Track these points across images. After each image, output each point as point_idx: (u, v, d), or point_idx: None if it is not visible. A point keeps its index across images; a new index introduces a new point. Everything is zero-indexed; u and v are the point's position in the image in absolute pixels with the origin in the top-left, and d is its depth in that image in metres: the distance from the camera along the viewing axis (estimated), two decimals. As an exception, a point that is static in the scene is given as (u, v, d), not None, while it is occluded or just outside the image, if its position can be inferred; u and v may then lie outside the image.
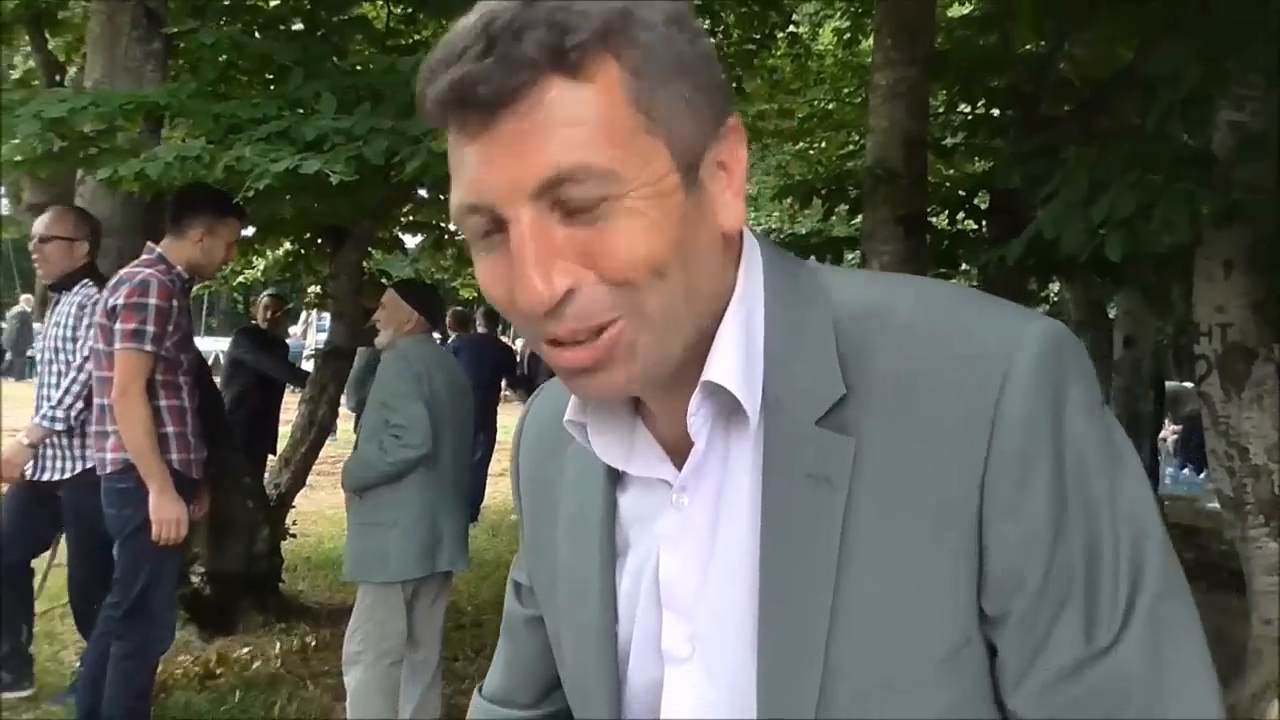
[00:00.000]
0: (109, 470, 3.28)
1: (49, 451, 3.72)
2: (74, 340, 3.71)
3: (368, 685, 3.40)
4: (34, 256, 3.84)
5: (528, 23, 0.64)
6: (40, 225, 3.84)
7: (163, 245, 3.40)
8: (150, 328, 3.17)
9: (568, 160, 0.65)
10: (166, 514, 3.14)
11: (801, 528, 0.72)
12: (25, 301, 19.60)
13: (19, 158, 4.32)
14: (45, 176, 4.62)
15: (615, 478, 0.83)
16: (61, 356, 3.72)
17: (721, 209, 0.72)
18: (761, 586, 0.73)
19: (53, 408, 3.65)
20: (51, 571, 5.58)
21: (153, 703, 3.43)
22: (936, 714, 0.72)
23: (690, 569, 0.77)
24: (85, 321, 3.67)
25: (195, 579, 4.84)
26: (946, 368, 0.71)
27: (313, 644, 4.63)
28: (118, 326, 3.16)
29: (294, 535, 5.58)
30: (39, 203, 5.07)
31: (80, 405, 3.65)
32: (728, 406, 0.75)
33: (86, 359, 3.61)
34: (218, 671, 4.32)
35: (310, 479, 5.82)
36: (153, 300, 3.19)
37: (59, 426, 3.64)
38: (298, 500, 5.68)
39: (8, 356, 20.35)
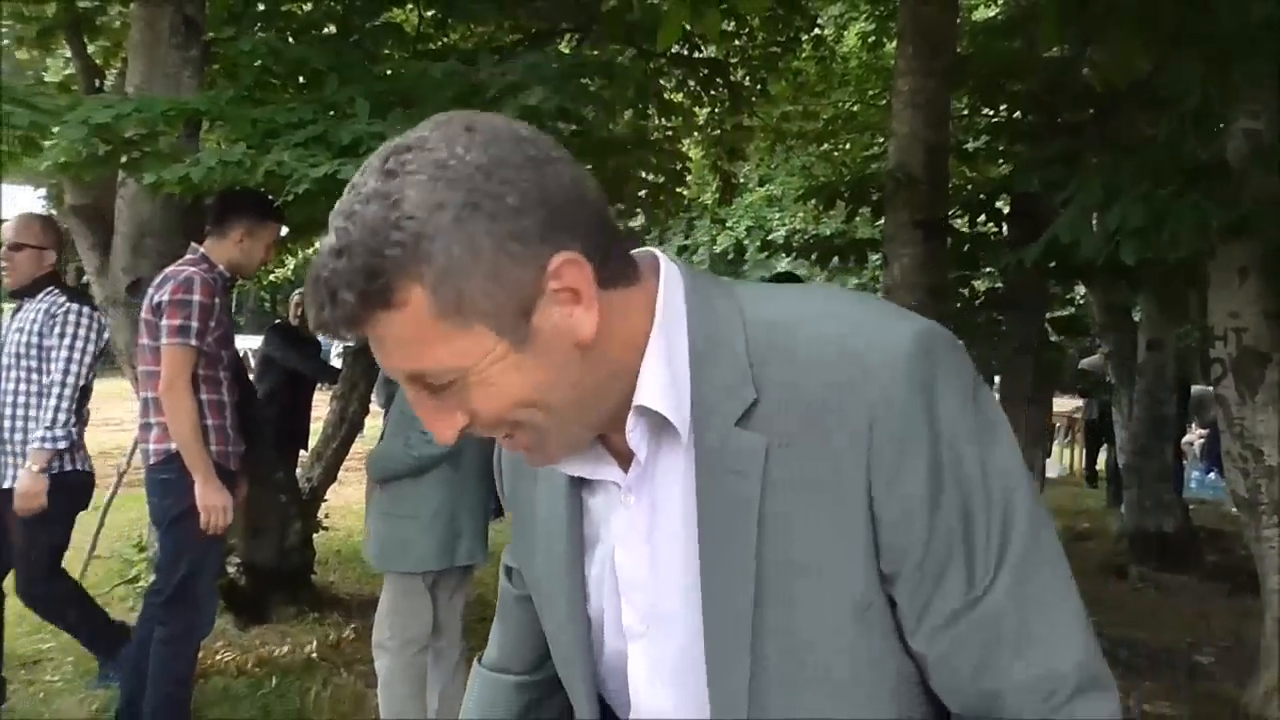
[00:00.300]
0: (152, 461, 3.41)
1: (6, 460, 3.81)
2: (39, 348, 3.80)
3: (395, 672, 3.51)
4: (2, 264, 3.92)
5: (343, 279, 0.78)
6: (9, 232, 3.93)
7: (205, 245, 3.53)
8: (195, 323, 3.30)
9: (408, 367, 0.83)
10: (213, 501, 3.27)
11: (725, 517, 0.86)
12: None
13: (64, 160, 4.47)
14: (90, 180, 4.76)
15: (581, 482, 0.98)
16: (24, 363, 3.80)
17: (577, 328, 0.83)
18: (701, 569, 0.88)
19: (48, 429, 3.70)
20: (92, 563, 5.77)
21: (192, 688, 3.54)
22: (856, 663, 0.87)
23: (639, 559, 0.93)
24: (54, 329, 3.79)
25: (231, 570, 4.98)
26: (836, 369, 0.84)
27: (345, 634, 4.76)
28: (164, 323, 3.29)
29: (325, 528, 5.72)
30: (80, 204, 5.23)
31: (74, 419, 3.77)
32: (660, 420, 0.89)
33: (68, 370, 3.75)
34: (253, 659, 4.45)
35: (340, 474, 5.95)
36: (197, 297, 3.32)
37: (62, 445, 3.72)
38: (329, 494, 5.82)
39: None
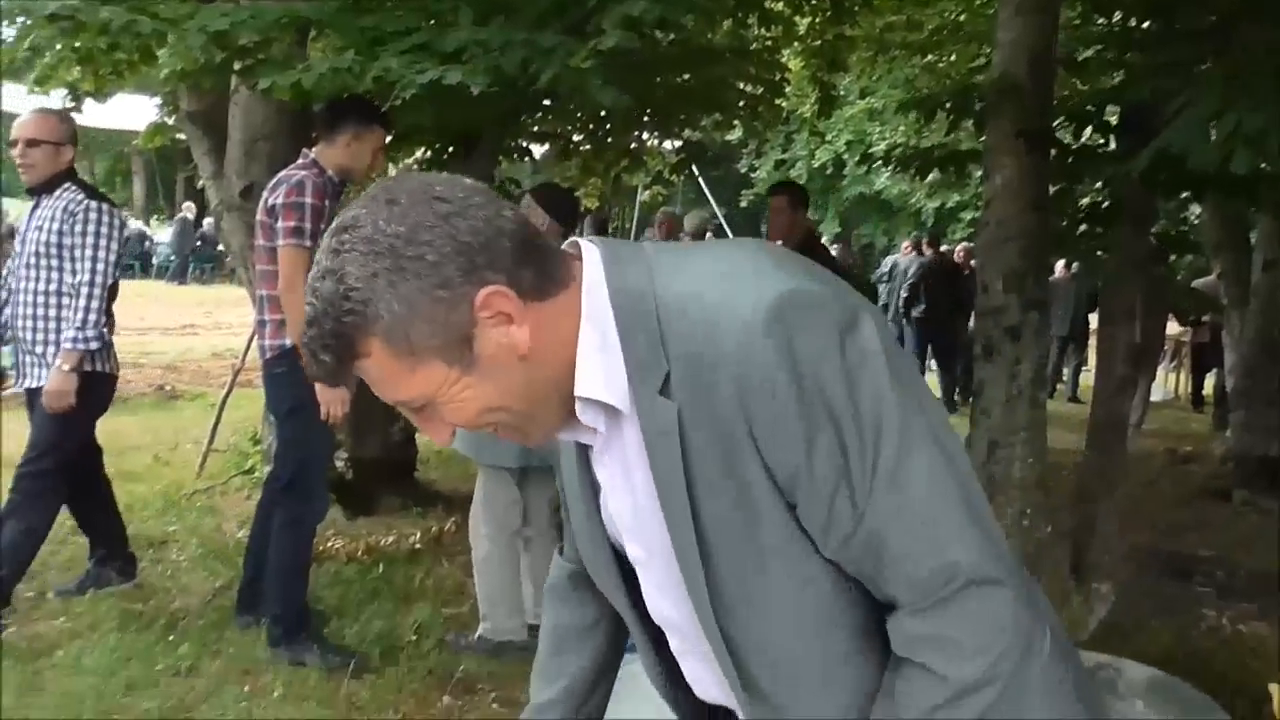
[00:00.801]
0: (269, 356, 3.60)
1: (27, 359, 3.83)
2: (59, 246, 3.74)
3: (490, 558, 3.72)
4: (17, 160, 3.84)
5: (319, 343, 1.00)
6: (24, 129, 3.83)
7: (315, 151, 3.65)
8: (307, 224, 3.43)
9: (390, 397, 1.03)
10: (331, 393, 3.43)
11: (666, 473, 1.03)
12: (187, 209, 20.61)
13: (181, 68, 4.63)
14: (206, 87, 4.93)
15: None
16: (44, 263, 3.75)
17: (515, 344, 1.00)
18: (663, 513, 1.05)
19: (79, 329, 3.66)
20: (210, 456, 6.10)
21: (308, 569, 3.77)
22: (791, 581, 1.04)
23: (623, 506, 1.11)
24: (74, 227, 3.72)
25: (339, 464, 5.24)
26: (709, 334, 0.97)
27: (446, 527, 4.99)
28: (279, 224, 3.44)
29: (428, 429, 5.93)
30: (196, 111, 5.42)
31: (104, 319, 3.74)
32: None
33: (94, 269, 3.69)
34: (362, 548, 4.71)
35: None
36: (308, 199, 3.45)
37: (95, 346, 3.70)
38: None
39: (153, 261, 21.47)
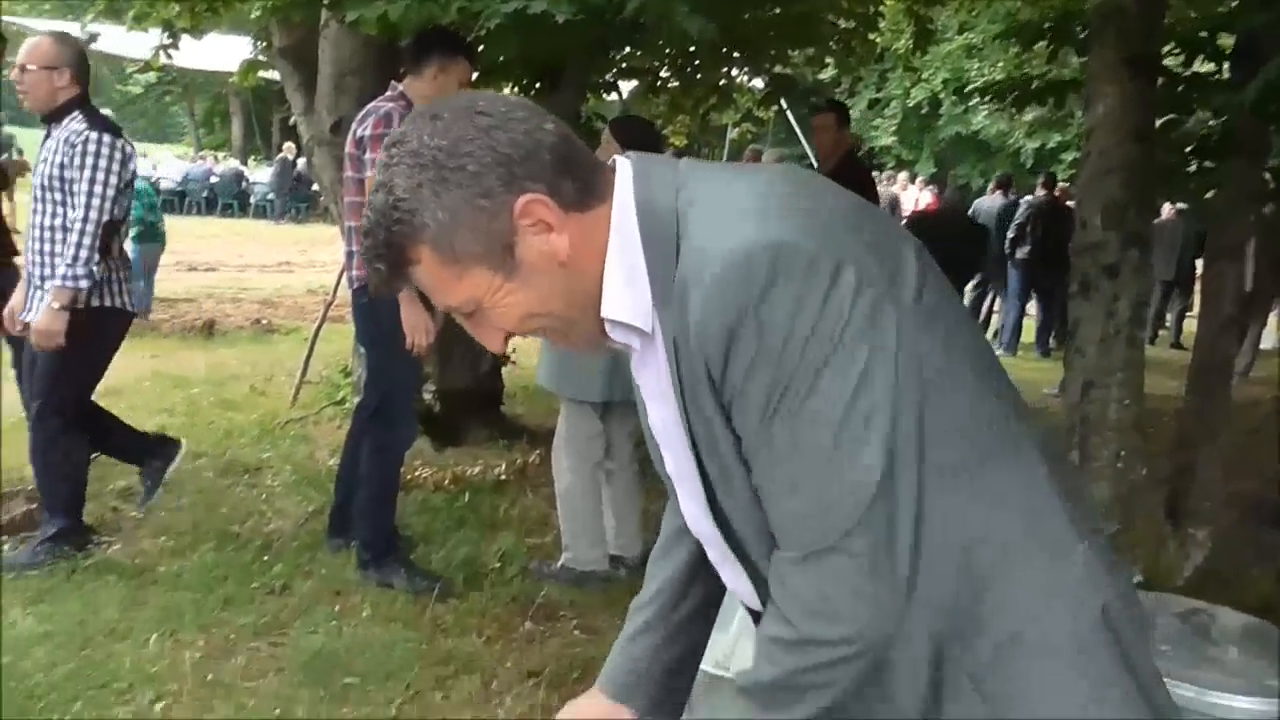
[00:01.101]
0: (357, 287, 3.66)
1: (35, 294, 3.68)
2: (62, 179, 3.58)
3: (573, 490, 3.76)
4: (17, 87, 3.70)
5: (374, 253, 1.06)
6: (22, 53, 3.70)
7: (403, 84, 3.66)
8: (395, 157, 3.44)
9: (440, 303, 1.09)
10: (416, 321, 3.47)
11: (666, 388, 1.09)
12: (286, 149, 21.02)
13: (273, 3, 4.68)
14: (297, 21, 4.98)
15: None
16: (49, 195, 3.61)
17: (555, 251, 1.05)
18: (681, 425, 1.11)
19: (69, 266, 3.50)
20: (303, 388, 6.26)
21: (396, 495, 3.86)
22: (754, 499, 1.07)
23: (655, 420, 1.17)
24: (74, 159, 3.55)
25: (427, 396, 5.33)
26: (701, 265, 1.00)
27: (531, 459, 5.05)
28: (367, 156, 3.47)
29: (513, 363, 5.99)
30: (287, 46, 5.49)
31: (97, 256, 3.55)
32: None
33: (89, 204, 3.51)
34: (449, 477, 4.81)
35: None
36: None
37: (84, 284, 3.53)
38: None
39: (260, 200, 21.96)
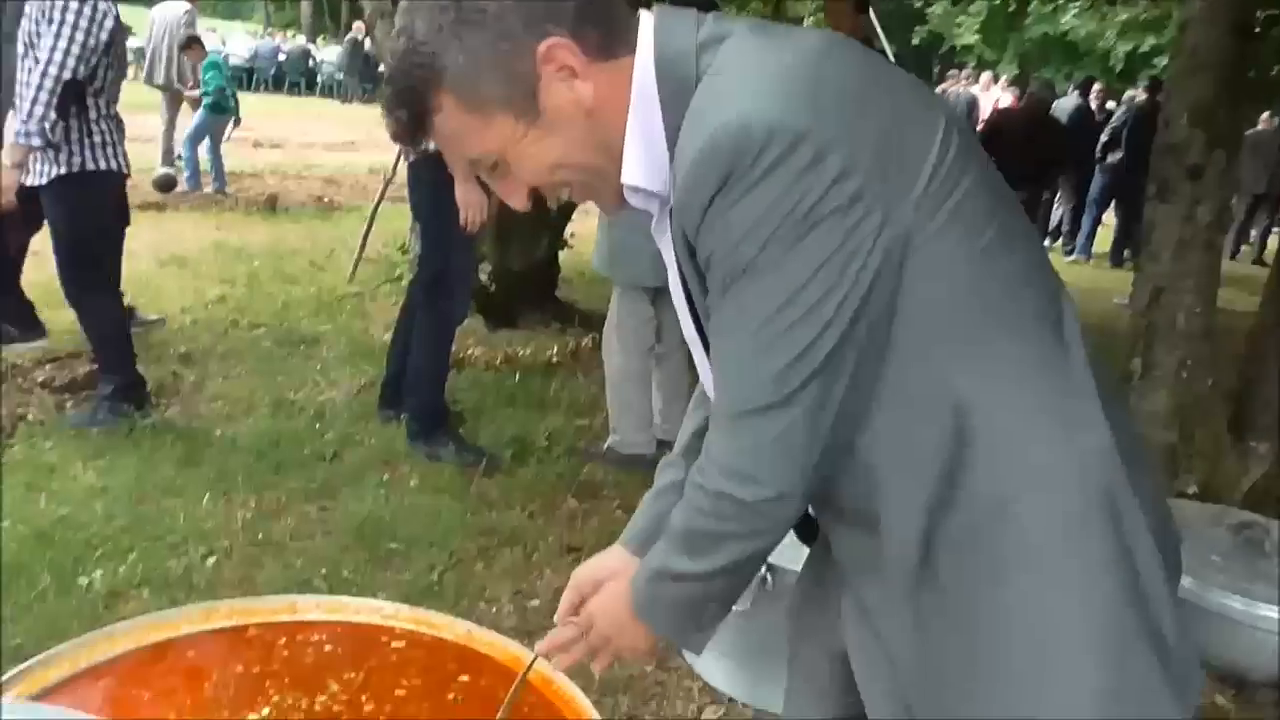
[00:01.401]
0: (412, 159, 3.62)
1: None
2: (38, 35, 3.44)
3: (622, 373, 3.75)
4: None
5: (394, 101, 1.04)
6: None
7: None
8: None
9: (463, 153, 1.07)
10: (470, 198, 3.44)
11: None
12: (356, 29, 20.89)
13: None
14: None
15: None
16: (28, 54, 3.48)
17: (579, 97, 1.02)
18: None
19: (24, 122, 3.40)
20: (360, 265, 6.30)
21: (448, 370, 3.88)
22: None
23: (674, 284, 1.14)
24: (45, 14, 3.41)
25: (482, 276, 5.33)
26: (697, 128, 0.97)
27: (584, 343, 5.05)
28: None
29: (570, 247, 5.95)
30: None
31: (53, 116, 3.42)
32: None
33: (50, 60, 3.38)
34: (501, 357, 4.83)
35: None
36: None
37: (36, 142, 3.42)
38: (575, 215, 6.02)
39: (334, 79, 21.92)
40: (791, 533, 1.18)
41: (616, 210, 1.13)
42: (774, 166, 0.93)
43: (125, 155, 3.78)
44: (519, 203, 1.10)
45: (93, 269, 3.76)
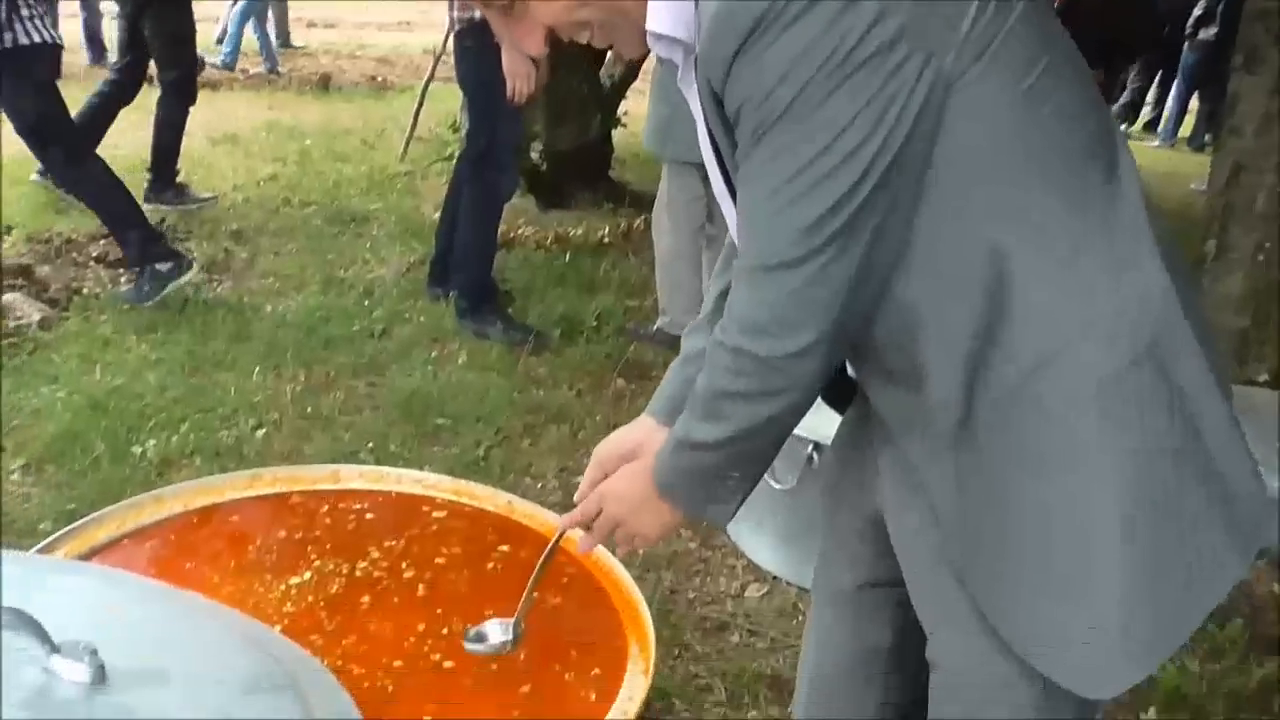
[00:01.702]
0: (459, 29, 3.51)
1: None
2: None
3: (672, 252, 3.67)
4: None
5: None
6: None
7: None
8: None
9: None
10: (516, 68, 3.33)
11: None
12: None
13: None
14: None
15: None
16: None
17: None
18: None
19: None
20: (412, 143, 6.22)
21: (496, 247, 3.84)
22: None
23: (702, 135, 1.07)
24: None
25: (534, 155, 5.24)
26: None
27: (636, 224, 4.95)
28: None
29: (624, 125, 5.82)
30: None
31: None
32: None
33: None
34: (551, 237, 4.76)
35: (641, 74, 5.94)
36: None
37: None
38: (629, 94, 5.87)
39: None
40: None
41: (633, 55, 1.08)
42: (808, 7, 0.87)
43: (50, 25, 3.66)
44: (534, 46, 1.04)
45: (60, 143, 3.70)
